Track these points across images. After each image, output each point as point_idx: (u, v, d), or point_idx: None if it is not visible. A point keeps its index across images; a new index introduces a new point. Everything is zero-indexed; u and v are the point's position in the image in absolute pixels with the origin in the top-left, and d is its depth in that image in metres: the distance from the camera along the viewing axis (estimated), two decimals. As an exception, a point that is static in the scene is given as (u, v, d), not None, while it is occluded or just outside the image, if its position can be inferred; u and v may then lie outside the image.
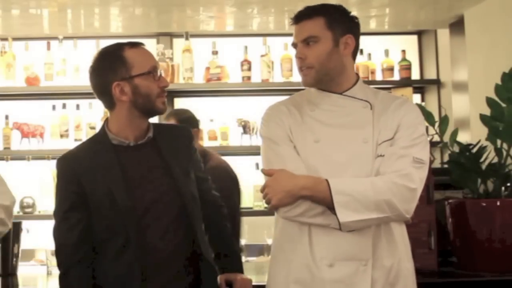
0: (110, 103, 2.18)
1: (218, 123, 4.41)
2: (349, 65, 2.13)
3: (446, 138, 2.74)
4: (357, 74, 2.18)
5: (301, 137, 2.09)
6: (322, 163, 2.04)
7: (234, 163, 4.43)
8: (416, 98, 4.69)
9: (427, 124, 2.80)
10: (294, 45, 2.12)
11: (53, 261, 2.74)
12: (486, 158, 2.64)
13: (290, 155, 2.06)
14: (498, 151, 2.59)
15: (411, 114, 2.09)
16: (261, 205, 4.28)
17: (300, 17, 2.10)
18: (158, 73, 2.15)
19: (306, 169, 2.04)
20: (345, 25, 2.09)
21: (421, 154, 2.03)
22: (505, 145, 2.59)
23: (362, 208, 1.94)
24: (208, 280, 2.19)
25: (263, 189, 2.03)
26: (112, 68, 2.13)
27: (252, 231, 4.00)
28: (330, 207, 1.96)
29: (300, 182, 1.98)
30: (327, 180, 1.96)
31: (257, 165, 4.24)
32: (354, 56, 2.15)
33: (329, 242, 2.02)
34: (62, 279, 2.12)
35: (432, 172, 2.68)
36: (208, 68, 4.42)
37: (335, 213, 1.94)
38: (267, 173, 2.05)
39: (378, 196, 1.94)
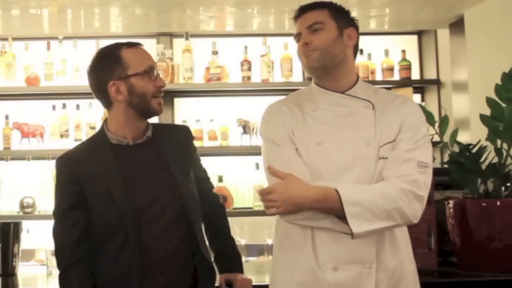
0: (107, 103, 2.19)
1: (218, 123, 4.40)
2: (351, 59, 2.14)
3: (446, 138, 2.74)
4: (357, 74, 2.17)
5: (304, 139, 2.07)
6: (325, 166, 2.02)
7: (234, 163, 4.47)
8: (416, 98, 4.69)
9: (427, 124, 2.81)
10: (298, 36, 2.12)
11: (53, 261, 2.74)
12: (486, 158, 2.63)
13: (293, 158, 2.04)
14: (498, 151, 2.59)
15: (413, 114, 2.08)
16: (261, 205, 4.25)
17: (304, 9, 2.12)
18: (155, 73, 2.16)
19: (309, 172, 2.02)
20: (347, 19, 2.13)
21: (424, 156, 2.02)
22: (505, 145, 2.59)
23: (373, 218, 1.93)
24: (207, 280, 2.19)
25: (266, 192, 1.98)
26: (109, 67, 2.14)
27: (252, 231, 3.99)
28: (339, 215, 1.94)
29: (311, 195, 1.93)
30: (336, 190, 1.92)
31: (257, 165, 4.24)
32: (355, 54, 2.16)
33: (333, 246, 2.01)
34: (62, 278, 2.12)
35: (432, 172, 2.68)
36: (208, 68, 4.42)
37: (345, 222, 1.92)
38: (273, 172, 2.01)
39: (389, 205, 1.93)
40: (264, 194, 1.99)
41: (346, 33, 2.10)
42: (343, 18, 2.12)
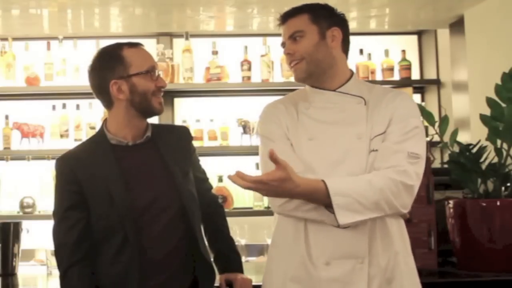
0: (108, 102, 2.19)
1: (218, 123, 4.41)
2: (340, 59, 2.14)
3: (446, 138, 2.74)
4: (351, 70, 2.18)
5: (297, 136, 2.09)
6: (317, 161, 2.04)
7: (234, 163, 4.47)
8: (416, 98, 4.69)
9: (427, 124, 2.81)
10: (283, 44, 2.15)
11: (53, 261, 2.74)
12: (486, 158, 2.63)
13: (285, 151, 2.04)
14: (498, 151, 2.59)
15: (403, 107, 2.08)
16: (261, 205, 4.28)
17: (285, 17, 2.14)
18: (156, 73, 2.16)
19: (302, 164, 2.02)
20: (330, 19, 2.12)
21: (415, 148, 2.02)
22: (505, 145, 2.59)
23: (362, 209, 1.93)
24: (206, 280, 2.19)
25: (260, 181, 1.88)
26: (110, 67, 2.14)
27: (252, 231, 3.99)
28: (328, 206, 1.94)
29: (299, 191, 1.89)
30: (324, 181, 1.92)
31: (257, 165, 4.23)
32: (345, 51, 2.16)
33: (325, 241, 2.02)
34: (63, 278, 2.11)
35: (432, 172, 2.68)
36: (208, 68, 4.42)
37: (332, 212, 1.92)
38: (273, 159, 1.86)
39: (377, 195, 1.94)
40: (256, 182, 1.89)
41: (329, 35, 2.10)
42: (325, 20, 2.11)
